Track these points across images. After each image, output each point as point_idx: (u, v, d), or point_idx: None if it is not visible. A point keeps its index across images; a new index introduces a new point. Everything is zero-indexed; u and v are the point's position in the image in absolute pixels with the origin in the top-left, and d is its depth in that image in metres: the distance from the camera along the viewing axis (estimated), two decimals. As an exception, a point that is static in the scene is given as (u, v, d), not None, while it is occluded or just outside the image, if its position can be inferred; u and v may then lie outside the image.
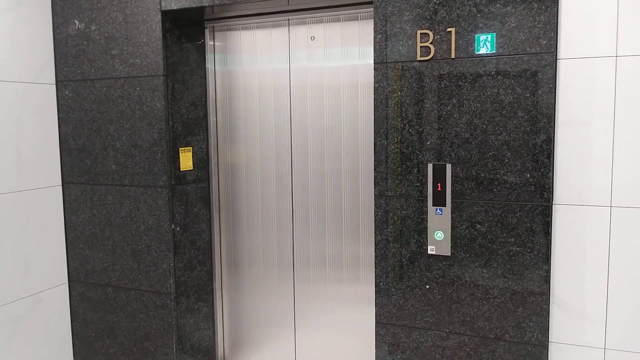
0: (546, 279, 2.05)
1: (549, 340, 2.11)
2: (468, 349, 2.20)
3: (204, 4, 2.47)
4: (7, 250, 2.57)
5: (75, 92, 2.78)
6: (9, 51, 2.54)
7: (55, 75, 2.81)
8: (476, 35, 2.03)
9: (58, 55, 2.79)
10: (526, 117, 2.00)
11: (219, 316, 3.01)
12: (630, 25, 1.90)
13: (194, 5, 2.49)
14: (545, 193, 2.01)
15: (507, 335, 2.13)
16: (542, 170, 2.00)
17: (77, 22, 2.72)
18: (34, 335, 2.72)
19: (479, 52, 2.03)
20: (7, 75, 2.53)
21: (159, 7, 2.53)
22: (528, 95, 1.99)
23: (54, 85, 2.81)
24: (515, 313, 2.11)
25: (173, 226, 2.66)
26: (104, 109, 2.72)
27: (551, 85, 1.96)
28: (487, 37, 2.01)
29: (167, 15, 2.56)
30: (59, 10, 2.75)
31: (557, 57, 1.97)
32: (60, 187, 2.87)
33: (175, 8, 2.52)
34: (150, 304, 2.73)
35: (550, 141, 1.98)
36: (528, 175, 2.02)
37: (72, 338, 2.95)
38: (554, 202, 2.05)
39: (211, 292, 2.96)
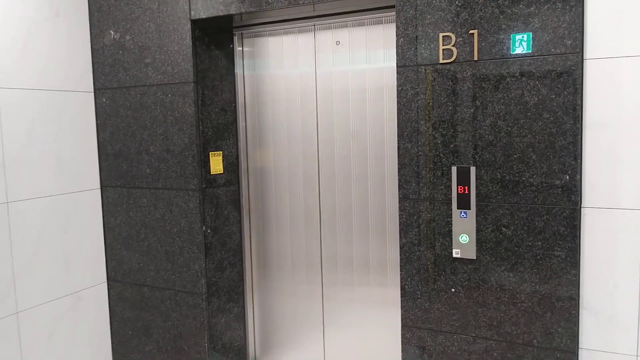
0: (575, 284, 2.00)
1: (579, 346, 2.06)
2: (495, 354, 2.17)
3: (231, 12, 2.53)
4: (49, 250, 2.71)
5: (111, 99, 2.90)
6: (49, 61, 2.68)
7: (93, 84, 2.94)
8: (512, 35, 1.99)
9: (95, 64, 2.92)
10: (552, 118, 1.96)
11: (249, 316, 3.07)
12: (662, 22, 1.84)
13: (222, 14, 2.55)
14: (572, 196, 1.97)
15: (535, 341, 2.09)
16: (569, 172, 1.96)
17: (112, 32, 2.84)
18: (75, 332, 2.86)
19: (515, 52, 1.99)
20: (48, 84, 2.67)
21: (188, 16, 2.61)
22: (553, 96, 1.95)
23: (92, 93, 2.94)
24: (544, 318, 2.07)
25: (204, 228, 2.74)
26: (139, 115, 2.82)
27: (577, 86, 1.91)
28: (523, 37, 1.98)
29: (196, 23, 2.64)
30: (96, 21, 2.88)
31: (583, 58, 1.93)
32: (99, 190, 3.00)
33: (204, 17, 2.59)
34: (183, 304, 2.82)
35: (577, 143, 1.94)
36: (554, 177, 1.98)
37: (111, 335, 3.08)
38: (582, 205, 2.00)
39: (242, 293, 3.03)
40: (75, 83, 2.84)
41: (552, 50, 1.93)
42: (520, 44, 1.98)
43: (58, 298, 2.76)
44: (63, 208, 2.77)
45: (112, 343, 3.09)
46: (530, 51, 1.97)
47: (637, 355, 1.98)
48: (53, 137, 2.71)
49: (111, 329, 3.08)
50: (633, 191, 1.92)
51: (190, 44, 2.63)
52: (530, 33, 1.96)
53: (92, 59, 2.93)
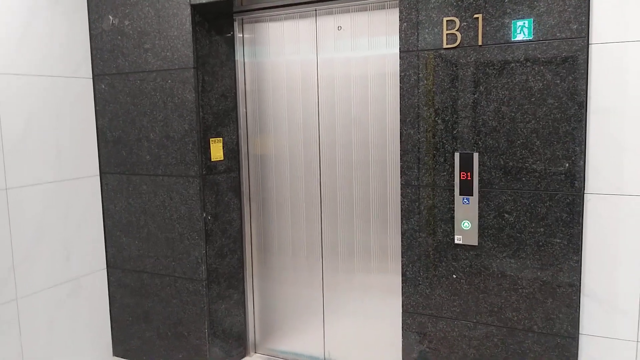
0: (577, 270, 2.01)
1: (580, 332, 2.07)
2: (495, 340, 2.18)
3: (232, -4, 2.51)
4: (49, 237, 2.69)
5: (110, 85, 2.87)
6: (48, 47, 2.65)
7: (92, 70, 2.91)
8: (513, 22, 1.98)
9: (94, 50, 2.89)
10: (556, 104, 1.95)
11: (249, 303, 3.08)
12: (668, 7, 1.82)
13: (222, -2, 2.53)
14: (576, 182, 1.96)
15: (535, 327, 2.10)
16: (573, 158, 1.96)
17: (111, 17, 2.81)
18: (74, 318, 2.85)
19: (516, 39, 1.98)
20: (47, 70, 2.64)
21: (188, 1, 2.58)
22: (558, 81, 1.94)
23: (91, 79, 2.91)
24: (545, 304, 2.07)
25: (204, 215, 2.73)
26: (138, 101, 2.80)
27: (582, 71, 1.90)
28: (524, 23, 1.96)
29: (196, 8, 2.61)
30: (94, 6, 2.84)
31: (589, 42, 1.91)
32: (98, 177, 2.98)
33: (204, 1, 2.56)
34: (184, 290, 2.82)
35: (581, 129, 1.93)
36: (558, 163, 1.98)
37: (111, 322, 3.08)
38: (585, 192, 2.00)
39: (242, 280, 3.03)
40: (74, 69, 2.81)
41: (558, 34, 1.91)
42: (522, 31, 1.97)
43: (58, 284, 2.75)
44: (63, 195, 2.76)
45: (112, 329, 3.09)
46: (531, 37, 1.95)
47: (638, 341, 1.99)
48: (52, 124, 2.69)
49: (111, 315, 3.08)
50: (637, 178, 1.92)
51: (190, 29, 2.60)
52: (532, 19, 1.95)
53: (91, 44, 2.90)
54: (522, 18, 1.96)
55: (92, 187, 2.94)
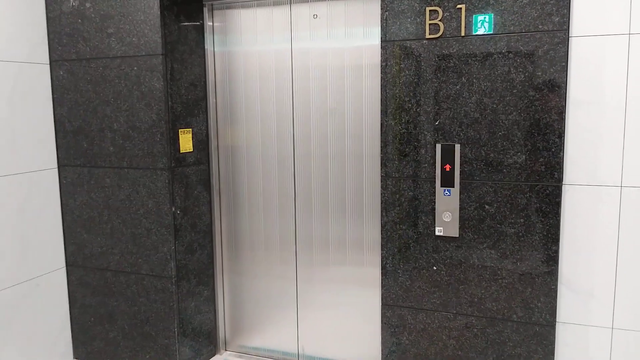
0: (555, 260, 2.04)
1: (557, 320, 2.11)
2: (475, 330, 2.19)
3: (203, -20, 2.40)
4: (3, 235, 2.50)
5: (70, 72, 2.69)
6: None
7: (49, 55, 2.72)
8: (474, 16, 1.99)
9: (52, 34, 2.70)
10: (537, 96, 1.97)
11: (220, 299, 2.98)
12: (644, 2, 1.87)
13: (193, -18, 2.41)
14: (555, 173, 1.99)
15: (514, 316, 2.12)
16: (552, 150, 1.98)
17: (71, -1, 2.63)
18: (32, 320, 2.67)
19: (477, 33, 1.99)
20: (-1, 54, 2.45)
21: (157, -17, 2.45)
22: (540, 73, 1.96)
23: (48, 65, 2.72)
24: (524, 294, 2.10)
25: (173, 209, 2.61)
26: (100, 89, 2.64)
27: (563, 64, 1.93)
28: (484, 18, 1.97)
29: (165, -9, 2.48)
30: (52, -14, 2.66)
31: (570, 35, 1.94)
32: (57, 170, 2.80)
33: (174, -16, 2.44)
34: (151, 288, 2.70)
35: (561, 121, 1.96)
36: (538, 155, 2.00)
37: (71, 323, 2.91)
38: (563, 182, 2.03)
39: (212, 276, 2.93)
40: (29, 54, 2.61)
41: (540, 27, 1.93)
42: (482, 25, 1.98)
43: (14, 285, 2.57)
44: (18, 189, 2.57)
45: (72, 331, 2.92)
46: (491, 32, 1.97)
47: (612, 327, 2.05)
48: (4, 113, 2.49)
49: (71, 316, 2.91)
50: (613, 168, 1.97)
51: (159, 13, 2.47)
52: (492, 14, 1.96)
53: (48, 28, 2.70)
54: (489, 12, 1.96)
55: (49, 180, 2.76)
